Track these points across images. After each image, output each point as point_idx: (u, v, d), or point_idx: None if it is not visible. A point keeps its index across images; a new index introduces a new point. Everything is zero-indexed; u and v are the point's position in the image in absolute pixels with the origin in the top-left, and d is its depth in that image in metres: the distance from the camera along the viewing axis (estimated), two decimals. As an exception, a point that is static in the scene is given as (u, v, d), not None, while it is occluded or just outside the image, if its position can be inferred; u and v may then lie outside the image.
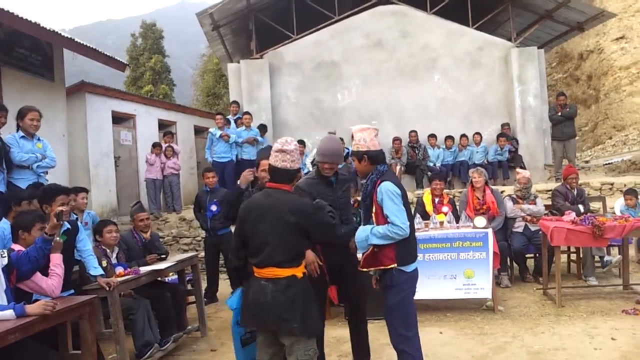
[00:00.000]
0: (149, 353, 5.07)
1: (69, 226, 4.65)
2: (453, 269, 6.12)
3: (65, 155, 10.14)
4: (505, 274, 7.22)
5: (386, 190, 3.44)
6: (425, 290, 6.15)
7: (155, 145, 11.30)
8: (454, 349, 4.97)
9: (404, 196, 3.54)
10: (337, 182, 4.22)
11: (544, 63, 13.07)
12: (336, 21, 12.73)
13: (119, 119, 12.31)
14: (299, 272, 3.28)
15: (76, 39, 9.55)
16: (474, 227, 6.23)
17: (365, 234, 3.50)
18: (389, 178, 3.52)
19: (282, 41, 12.84)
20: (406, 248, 3.50)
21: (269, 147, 4.94)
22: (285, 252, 3.24)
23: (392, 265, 3.49)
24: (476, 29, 12.75)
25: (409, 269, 3.53)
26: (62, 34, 9.02)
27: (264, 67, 12.25)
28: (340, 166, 11.26)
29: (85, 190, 6.82)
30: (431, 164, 11.82)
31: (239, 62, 12.96)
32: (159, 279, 6.07)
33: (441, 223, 6.46)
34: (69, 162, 10.29)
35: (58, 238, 4.18)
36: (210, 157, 10.78)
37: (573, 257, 7.68)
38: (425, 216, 7.09)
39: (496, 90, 12.49)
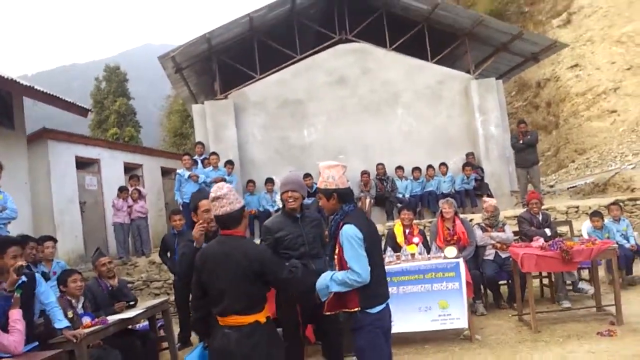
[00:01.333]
0: (118, 405, 4.89)
1: (24, 279, 4.49)
2: (427, 301, 6.10)
3: (28, 203, 9.90)
4: (480, 302, 7.24)
5: (346, 234, 3.32)
6: (401, 323, 6.10)
7: (122, 189, 11.12)
8: (433, 382, 4.92)
9: (371, 236, 3.43)
10: (303, 217, 4.20)
11: (502, 92, 13.46)
12: (298, 60, 12.90)
13: (83, 164, 12.10)
14: (261, 317, 3.22)
15: (35, 86, 9.44)
16: (445, 257, 6.25)
17: (326, 282, 3.39)
18: (352, 220, 3.40)
19: (245, 81, 12.93)
20: (370, 292, 3.38)
21: (203, 189, 4.84)
22: (244, 300, 3.17)
23: (356, 309, 3.39)
24: (435, 63, 13.08)
25: (374, 310, 3.40)
26: (21, 81, 8.88)
27: (229, 107, 12.29)
28: (309, 201, 11.22)
29: (53, 239, 6.64)
30: (400, 195, 11.90)
31: (203, 102, 12.97)
32: (129, 327, 5.90)
33: (412, 255, 6.47)
34: (32, 210, 10.05)
35: (17, 294, 4.04)
36: (181, 199, 10.62)
37: (545, 281, 7.75)
38: (397, 248, 7.09)
39: (459, 121, 12.75)
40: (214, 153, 11.24)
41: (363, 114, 12.73)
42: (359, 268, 3.27)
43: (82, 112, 10.71)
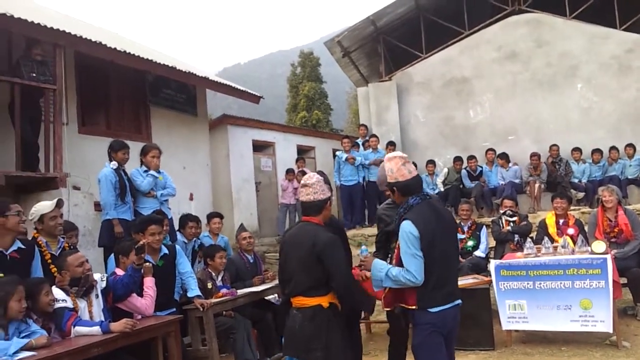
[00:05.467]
0: (246, 371, 5.37)
1: (166, 251, 5.14)
2: (567, 299, 5.55)
3: (209, 182, 11.11)
4: (643, 305, 6.36)
5: (402, 231, 3.21)
6: (536, 321, 5.72)
7: (288, 172, 11.89)
8: (553, 387, 4.52)
9: (433, 234, 3.21)
10: None
11: None
12: (466, 36, 12.37)
13: (259, 146, 13.14)
14: (325, 301, 3.33)
15: (211, 78, 10.50)
16: (592, 252, 5.61)
17: (381, 276, 3.29)
18: (412, 215, 3.24)
19: (412, 61, 12.79)
20: (427, 292, 3.22)
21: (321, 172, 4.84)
22: (307, 280, 3.32)
23: (413, 307, 3.28)
24: (625, 30, 11.49)
25: (433, 310, 3.23)
26: (198, 74, 9.95)
27: (392, 89, 12.29)
28: (471, 185, 10.74)
29: (220, 216, 7.45)
30: (576, 180, 10.82)
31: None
32: (266, 298, 6.40)
33: (555, 248, 5.92)
34: (212, 188, 11.24)
35: (149, 264, 4.67)
36: (339, 181, 11.03)
37: None
38: (551, 239, 6.53)
39: (651, 95, 11.10)
40: (373, 135, 11.40)
41: (536, 91, 11.78)
42: (412, 268, 3.16)
43: (254, 99, 11.62)
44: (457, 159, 11.25)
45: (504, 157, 11.04)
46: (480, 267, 7.04)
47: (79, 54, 7.91)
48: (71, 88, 7.99)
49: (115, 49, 7.92)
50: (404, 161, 3.42)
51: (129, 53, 8.22)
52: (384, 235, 4.67)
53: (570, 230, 6.75)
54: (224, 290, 5.71)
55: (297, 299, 3.36)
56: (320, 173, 3.75)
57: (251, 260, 6.60)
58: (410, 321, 3.41)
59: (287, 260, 3.45)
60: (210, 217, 7.41)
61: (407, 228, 3.20)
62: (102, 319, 4.18)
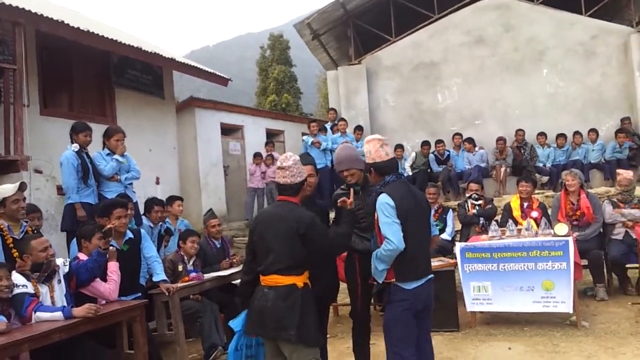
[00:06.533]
0: (213, 355, 5.35)
1: (131, 235, 5.06)
2: (530, 280, 5.67)
3: (176, 165, 10.95)
4: (602, 286, 6.55)
5: (379, 202, 3.36)
6: (499, 302, 5.84)
7: (256, 155, 11.82)
8: (516, 367, 4.63)
9: (407, 208, 3.37)
10: (364, 188, 4.12)
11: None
12: (435, 20, 12.39)
13: (227, 130, 13.00)
14: (300, 281, 3.36)
15: (178, 59, 10.30)
16: (554, 234, 5.74)
17: (374, 264, 3.44)
18: (387, 190, 3.40)
19: (382, 45, 12.78)
20: (405, 264, 3.36)
21: (307, 154, 4.90)
22: (287, 259, 3.34)
23: (391, 280, 3.38)
24: (590, 16, 11.68)
25: (408, 286, 3.37)
26: (164, 55, 9.74)
27: (361, 73, 12.28)
28: (440, 169, 10.75)
29: (180, 199, 7.32)
30: (540, 165, 11.03)
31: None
32: (233, 282, 6.37)
33: (519, 230, 6.04)
34: (180, 172, 11.08)
35: (113, 248, 4.59)
36: (306, 164, 10.98)
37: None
38: (515, 222, 6.65)
39: (615, 81, 11.32)
40: (342, 119, 11.39)
41: (503, 75, 11.92)
42: (390, 235, 3.28)
43: (222, 81, 11.46)
44: (425, 144, 11.34)
45: (471, 141, 11.16)
46: (446, 249, 7.16)
47: (41, 33, 7.65)
48: (32, 68, 7.73)
49: (78, 28, 7.70)
50: (381, 143, 3.56)
51: (93, 33, 7.99)
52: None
53: (534, 213, 6.89)
54: (192, 275, 5.66)
55: (271, 277, 3.36)
56: None
57: (218, 246, 6.55)
58: (385, 298, 3.48)
59: (264, 237, 3.44)
60: (171, 200, 7.21)
61: (384, 199, 3.34)
62: (65, 304, 4.10)
